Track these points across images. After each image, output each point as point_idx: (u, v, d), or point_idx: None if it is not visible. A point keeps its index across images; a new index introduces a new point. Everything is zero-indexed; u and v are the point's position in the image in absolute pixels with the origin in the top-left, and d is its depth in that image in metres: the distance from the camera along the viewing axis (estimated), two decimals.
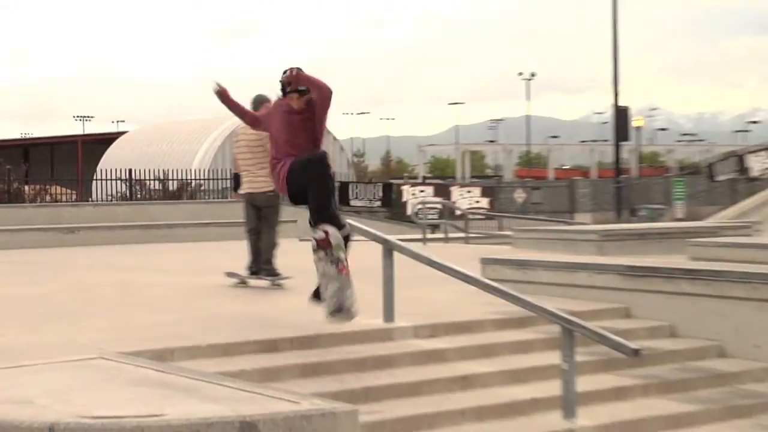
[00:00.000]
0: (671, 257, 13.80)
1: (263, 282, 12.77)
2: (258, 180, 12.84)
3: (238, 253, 13.31)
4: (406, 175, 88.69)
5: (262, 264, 12.81)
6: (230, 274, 13.07)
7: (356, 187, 40.36)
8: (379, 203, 37.68)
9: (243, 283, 12.93)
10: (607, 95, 41.79)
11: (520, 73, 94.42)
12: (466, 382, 8.55)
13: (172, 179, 34.01)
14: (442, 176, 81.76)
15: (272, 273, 12.76)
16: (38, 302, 11.59)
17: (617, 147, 43.38)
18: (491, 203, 41.16)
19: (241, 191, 13.24)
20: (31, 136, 79.97)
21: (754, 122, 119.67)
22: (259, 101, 12.68)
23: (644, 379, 9.10)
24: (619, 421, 8.18)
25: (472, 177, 76.15)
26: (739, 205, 31.05)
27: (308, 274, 12.89)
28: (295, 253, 12.56)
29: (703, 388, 9.24)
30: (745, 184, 35.31)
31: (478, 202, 40.26)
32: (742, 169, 37.49)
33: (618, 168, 44.73)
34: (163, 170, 34.14)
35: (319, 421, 5.87)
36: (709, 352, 10.00)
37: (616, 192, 40.46)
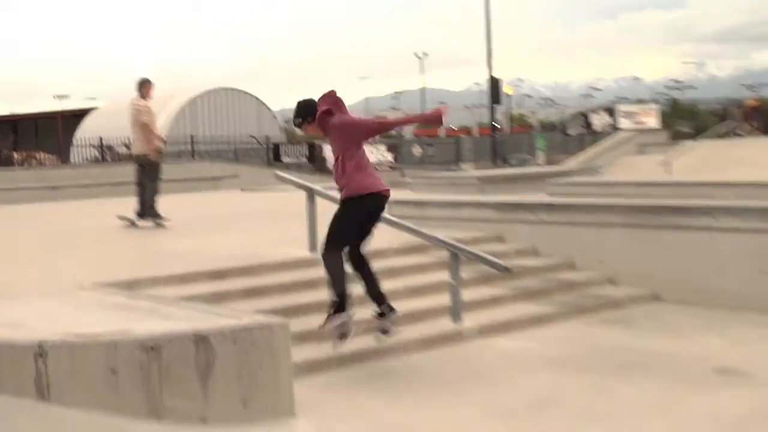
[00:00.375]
0: (535, 194, 13.95)
1: (148, 222, 12.81)
2: (136, 145, 13.15)
3: (185, 203, 13.21)
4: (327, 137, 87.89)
5: (147, 209, 12.85)
6: (121, 217, 13.13)
7: (287, 147, 40.44)
8: (305, 159, 37.54)
9: (132, 224, 12.94)
10: (484, 69, 42.06)
11: (416, 53, 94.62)
12: None
13: None
14: None
15: (154, 215, 12.84)
16: (25, 246, 11.41)
17: (492, 110, 43.77)
18: (395, 157, 41.18)
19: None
20: (17, 113, 77.52)
21: (597, 89, 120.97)
22: (140, 83, 12.88)
23: (514, 290, 9.24)
24: (495, 322, 8.31)
25: (381, 137, 75.99)
26: (586, 153, 31.54)
27: (188, 219, 12.93)
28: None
29: (559, 294, 9.42)
30: (590, 137, 35.85)
31: (384, 156, 40.23)
32: (588, 126, 38.18)
33: (493, 127, 45.13)
34: (128, 137, 33.53)
35: (258, 332, 5.87)
36: (563, 267, 10.18)
37: (492, 146, 40.83)
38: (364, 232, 7.21)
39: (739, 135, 31.84)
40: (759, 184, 13.31)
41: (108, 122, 49.66)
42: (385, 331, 7.11)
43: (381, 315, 7.09)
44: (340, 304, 6.92)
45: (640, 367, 7.17)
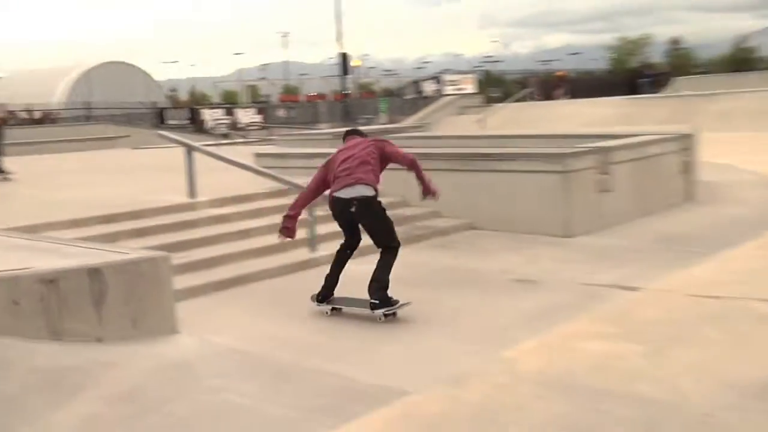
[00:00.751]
0: None
1: None
2: None
3: (83, 159, 12.62)
4: (206, 103, 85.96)
5: None
6: None
7: (171, 112, 39.24)
8: (187, 122, 36.46)
9: None
10: (337, 45, 42.26)
11: (279, 32, 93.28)
12: (245, 234, 8.49)
13: (37, 110, 31.67)
14: (231, 103, 79.70)
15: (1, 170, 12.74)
16: None
17: (343, 80, 43.87)
18: (264, 119, 40.43)
19: None
20: None
21: (427, 62, 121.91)
22: None
23: None
24: None
25: (251, 102, 74.55)
26: (419, 113, 31.95)
27: (83, 172, 12.37)
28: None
29: (396, 226, 9.34)
30: (422, 100, 36.21)
31: (254, 118, 39.48)
32: (420, 92, 38.60)
33: (344, 93, 45.09)
34: (30, 104, 31.73)
35: (144, 264, 5.73)
36: (400, 204, 10.17)
37: (343, 108, 40.79)
38: (371, 236, 6.50)
39: (534, 99, 32.95)
40: (547, 135, 13.83)
41: (12, 91, 46.90)
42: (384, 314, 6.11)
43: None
44: (322, 296, 6.42)
45: (461, 281, 7.40)
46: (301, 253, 8.03)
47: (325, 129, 30.82)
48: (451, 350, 5.39)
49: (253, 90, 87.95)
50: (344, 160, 6.30)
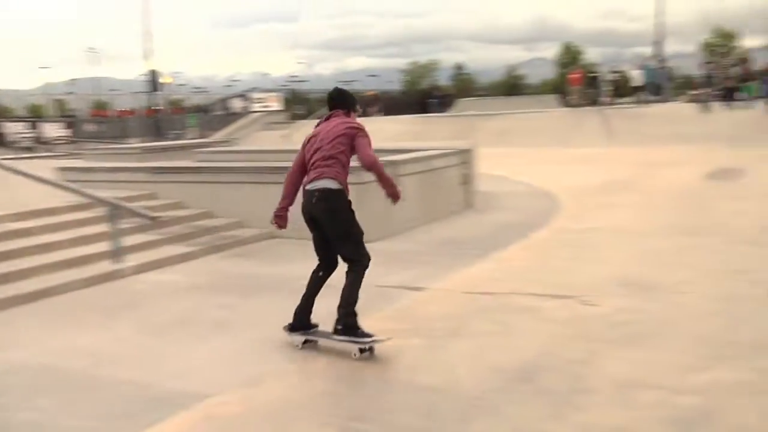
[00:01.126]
0: (185, 161, 13.58)
1: None
2: None
3: None
4: (9, 116, 79.29)
5: None
6: None
7: None
8: None
9: None
10: (147, 63, 40.63)
11: (90, 47, 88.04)
12: (48, 247, 7.90)
13: None
14: (38, 116, 74.05)
15: None
16: None
17: (152, 96, 42.36)
18: (73, 133, 37.98)
19: None
20: None
21: (236, 81, 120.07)
22: None
23: (164, 235, 8.95)
24: (149, 261, 8.00)
25: (60, 116, 69.69)
26: (227, 129, 31.43)
27: None
28: None
29: (199, 237, 9.24)
30: (230, 117, 35.68)
31: (62, 132, 36.93)
32: (227, 108, 38.12)
33: (155, 109, 43.48)
34: None
35: None
36: (204, 216, 9.99)
37: (153, 124, 39.31)
38: (336, 246, 5.56)
39: None
40: None
41: None
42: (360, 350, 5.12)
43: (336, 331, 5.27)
44: (291, 326, 5.47)
45: (262, 287, 7.29)
46: (105, 266, 7.59)
47: (135, 143, 29.52)
48: (250, 353, 5.31)
49: (60, 104, 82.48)
50: (315, 152, 5.55)
